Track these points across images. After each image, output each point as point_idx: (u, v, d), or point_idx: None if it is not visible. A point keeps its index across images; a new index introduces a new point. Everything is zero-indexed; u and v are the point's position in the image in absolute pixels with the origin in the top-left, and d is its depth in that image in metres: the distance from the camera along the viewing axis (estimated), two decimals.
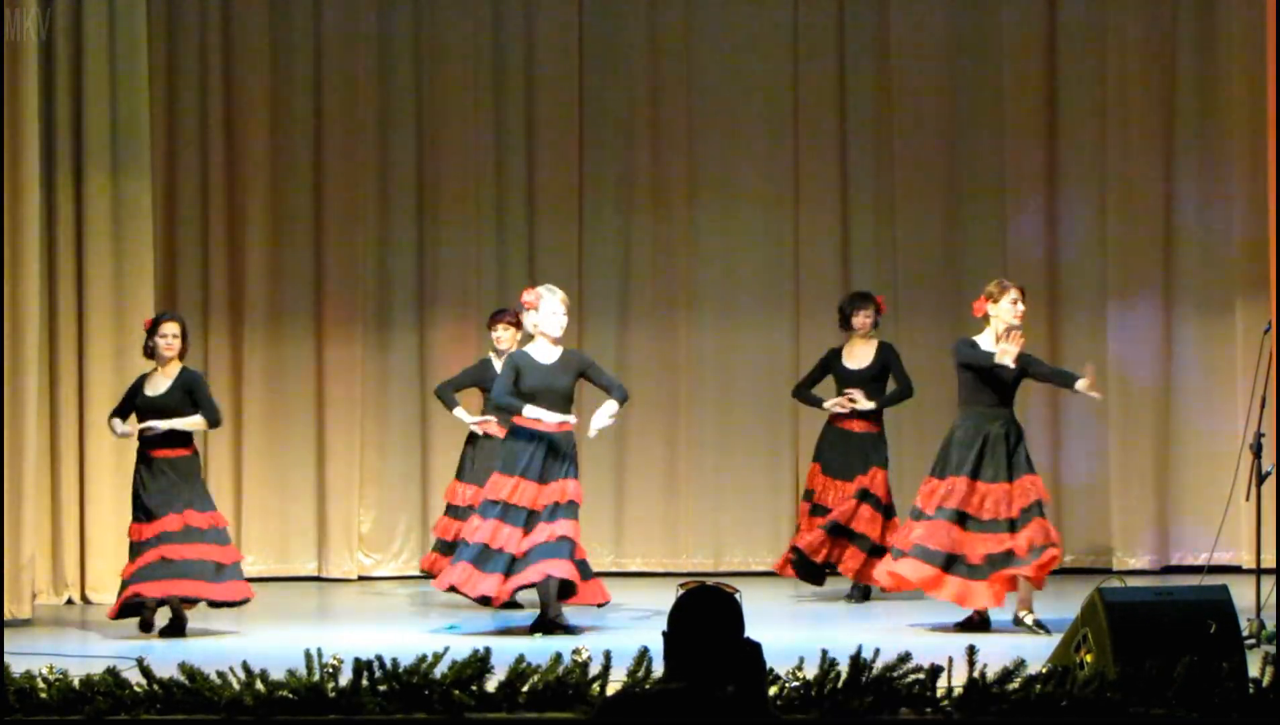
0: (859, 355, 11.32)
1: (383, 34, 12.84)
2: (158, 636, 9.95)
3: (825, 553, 11.15)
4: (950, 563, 9.77)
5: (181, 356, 10.21)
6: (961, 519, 9.81)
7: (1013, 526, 9.80)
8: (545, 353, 10.05)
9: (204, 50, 12.71)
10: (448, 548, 11.23)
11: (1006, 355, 9.86)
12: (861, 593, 11.28)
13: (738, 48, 12.99)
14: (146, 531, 10.03)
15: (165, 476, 10.04)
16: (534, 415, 9.88)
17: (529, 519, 9.88)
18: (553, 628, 9.87)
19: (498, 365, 11.37)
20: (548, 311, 10.01)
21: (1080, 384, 9.98)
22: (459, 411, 11.44)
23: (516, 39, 12.95)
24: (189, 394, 10.11)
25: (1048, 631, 9.61)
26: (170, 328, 10.16)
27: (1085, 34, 12.80)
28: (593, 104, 13.02)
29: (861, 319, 11.28)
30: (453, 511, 11.42)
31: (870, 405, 11.18)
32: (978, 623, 9.89)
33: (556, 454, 9.92)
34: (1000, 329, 9.94)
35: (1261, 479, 9.53)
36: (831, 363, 11.42)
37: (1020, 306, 9.95)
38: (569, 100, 12.94)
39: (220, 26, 12.72)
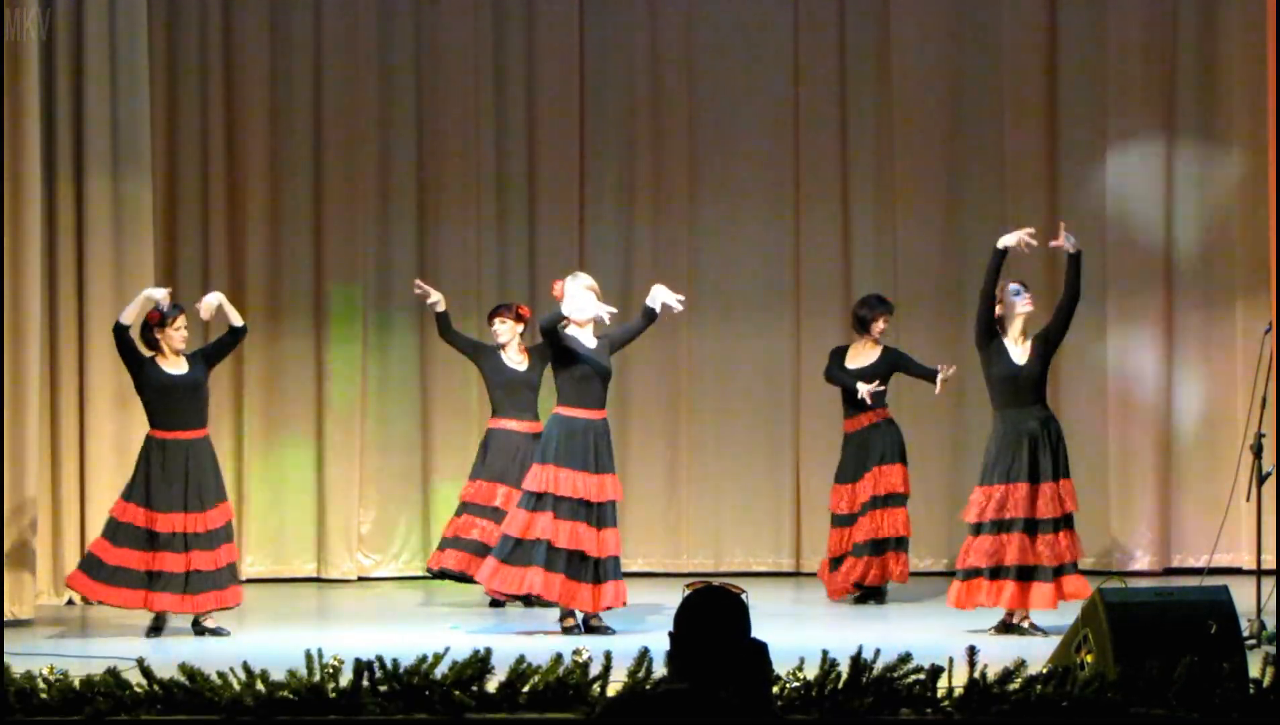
0: (863, 357, 11.29)
1: (383, 34, 12.84)
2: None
3: (874, 573, 11.20)
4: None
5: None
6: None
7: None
8: (586, 339, 10.10)
9: (204, 50, 12.70)
10: (452, 543, 11.22)
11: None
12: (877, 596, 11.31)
13: (738, 48, 12.99)
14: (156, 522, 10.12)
15: (177, 464, 10.10)
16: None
17: (587, 513, 9.95)
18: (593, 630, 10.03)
19: (502, 356, 11.36)
20: (569, 296, 10.07)
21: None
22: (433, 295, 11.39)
23: (517, 40, 12.94)
24: (209, 360, 10.30)
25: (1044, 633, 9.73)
26: (183, 320, 10.27)
27: (1085, 33, 12.80)
28: (593, 104, 13.01)
29: (881, 325, 11.27)
30: (470, 509, 11.35)
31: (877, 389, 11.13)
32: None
33: (594, 443, 9.99)
34: (1014, 329, 10.01)
35: (1262, 479, 9.53)
36: (839, 362, 11.38)
37: (1013, 299, 9.98)
38: (569, 100, 12.94)
39: (220, 26, 12.71)
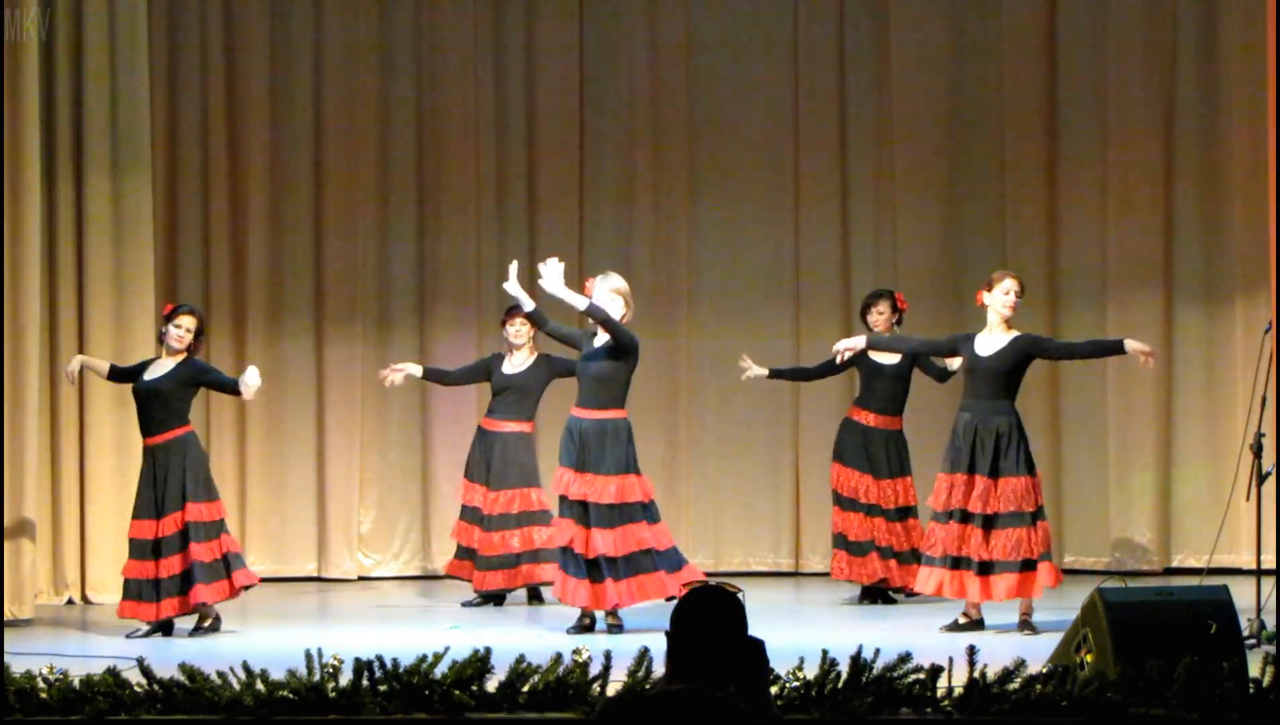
0: (887, 353, 11.29)
1: (383, 34, 12.84)
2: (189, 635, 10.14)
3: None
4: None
5: (192, 353, 10.25)
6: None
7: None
8: (599, 337, 10.12)
9: (204, 50, 12.71)
10: (466, 553, 11.32)
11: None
12: (882, 596, 11.31)
13: (738, 47, 13.00)
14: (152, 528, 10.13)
15: (148, 469, 10.12)
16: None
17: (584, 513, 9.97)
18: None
19: (506, 360, 11.39)
20: (595, 298, 10.06)
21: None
22: (400, 369, 11.50)
23: (516, 39, 12.95)
24: (196, 381, 10.21)
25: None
26: (186, 321, 10.19)
27: (1085, 34, 12.80)
28: (593, 103, 13.02)
29: (875, 316, 11.25)
30: (467, 514, 11.44)
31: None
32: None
33: (594, 443, 9.99)
34: (993, 319, 10.01)
35: (1262, 479, 9.53)
36: (859, 355, 11.38)
37: (1011, 297, 9.99)
38: (569, 99, 12.94)
39: (221, 26, 12.72)
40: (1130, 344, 10.01)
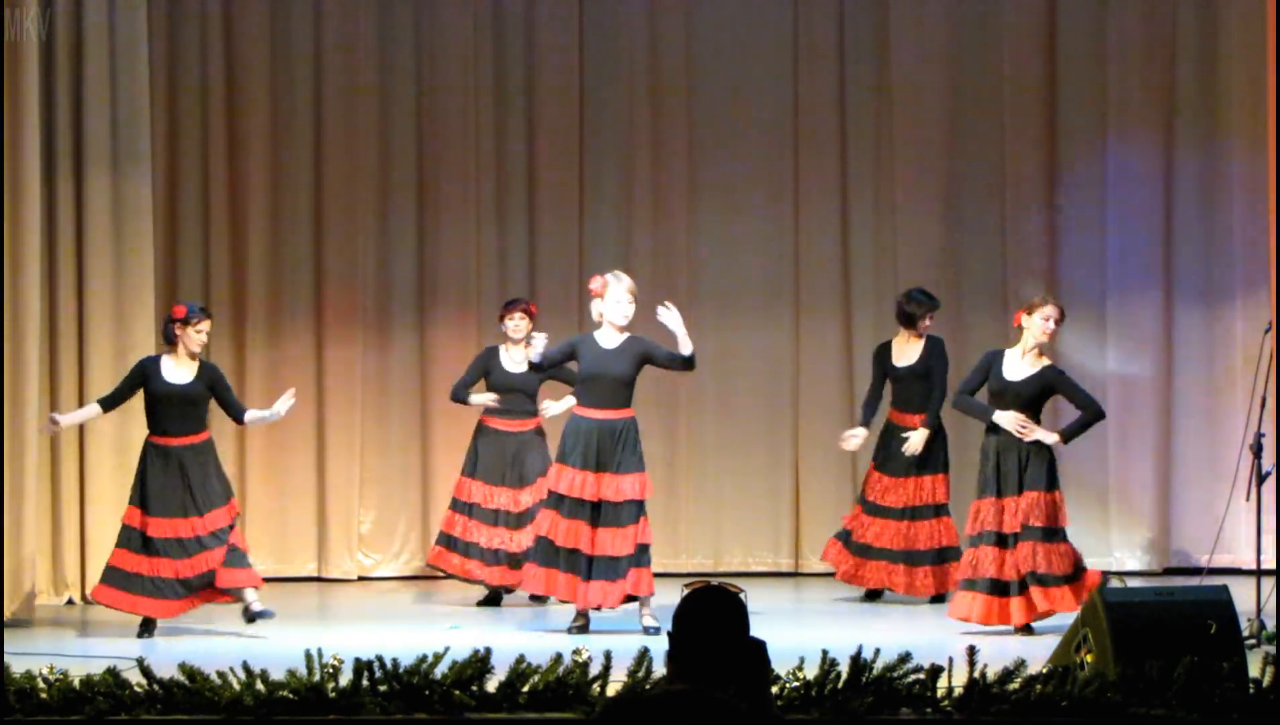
0: (908, 352, 11.29)
1: (383, 34, 12.83)
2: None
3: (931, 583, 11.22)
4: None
5: None
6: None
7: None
8: (608, 338, 10.12)
9: (204, 49, 12.70)
10: (449, 541, 11.33)
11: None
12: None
13: (738, 47, 12.99)
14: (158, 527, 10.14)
15: (174, 470, 10.14)
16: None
17: (591, 513, 9.99)
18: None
19: (504, 355, 11.40)
20: (613, 299, 10.06)
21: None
22: (475, 397, 11.45)
23: (516, 39, 12.94)
24: (211, 388, 10.29)
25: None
26: (206, 325, 10.30)
27: (1085, 34, 12.80)
28: (593, 103, 13.01)
29: (928, 322, 11.27)
30: (457, 506, 11.46)
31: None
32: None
33: (613, 443, 9.99)
34: (1029, 343, 9.96)
35: (1261, 479, 9.54)
36: (884, 361, 11.38)
37: (1051, 325, 9.96)
38: (569, 99, 12.94)
39: (221, 26, 12.71)
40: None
